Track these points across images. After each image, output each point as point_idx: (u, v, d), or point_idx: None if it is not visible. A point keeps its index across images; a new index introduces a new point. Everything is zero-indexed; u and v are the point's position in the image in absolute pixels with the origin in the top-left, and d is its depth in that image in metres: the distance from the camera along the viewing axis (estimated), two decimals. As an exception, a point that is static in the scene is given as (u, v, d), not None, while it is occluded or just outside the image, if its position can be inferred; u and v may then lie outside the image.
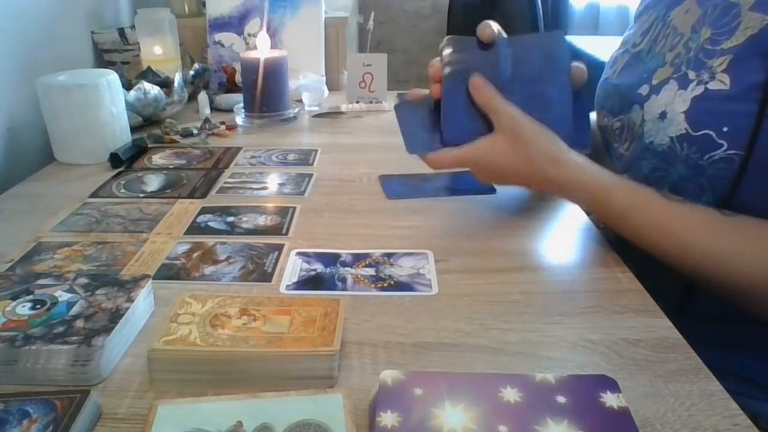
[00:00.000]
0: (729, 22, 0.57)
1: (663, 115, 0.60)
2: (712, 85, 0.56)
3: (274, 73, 1.07)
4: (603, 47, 2.16)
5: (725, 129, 0.55)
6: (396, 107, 0.69)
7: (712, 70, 0.57)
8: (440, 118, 0.65)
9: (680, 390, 0.44)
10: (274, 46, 1.17)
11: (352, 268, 0.61)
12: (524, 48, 0.65)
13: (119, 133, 0.93)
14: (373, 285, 0.58)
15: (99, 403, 0.42)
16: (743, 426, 0.41)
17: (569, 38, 2.53)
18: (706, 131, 0.56)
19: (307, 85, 1.20)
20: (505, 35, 0.67)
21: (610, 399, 0.39)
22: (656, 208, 0.57)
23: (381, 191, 0.79)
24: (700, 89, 0.57)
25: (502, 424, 0.37)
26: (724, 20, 0.58)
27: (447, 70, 0.64)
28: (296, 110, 1.13)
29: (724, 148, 0.55)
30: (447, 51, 0.66)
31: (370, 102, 1.20)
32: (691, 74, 0.59)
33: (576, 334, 0.50)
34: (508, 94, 0.63)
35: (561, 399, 0.39)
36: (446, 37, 0.67)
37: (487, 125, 0.63)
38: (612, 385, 0.40)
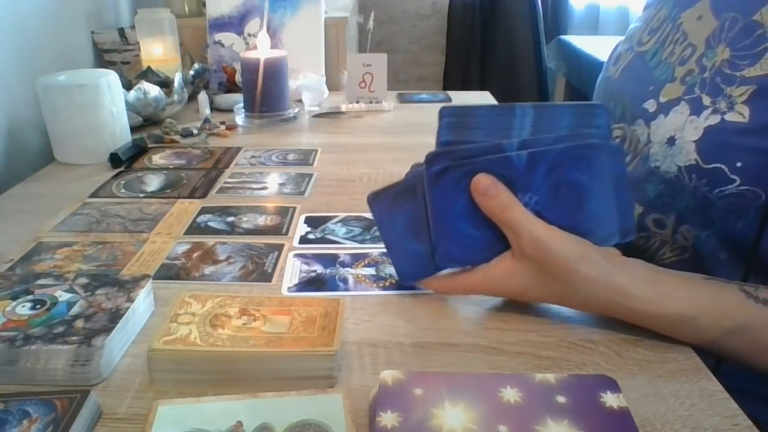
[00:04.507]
0: (752, 46, 0.53)
1: (671, 141, 0.56)
2: (730, 117, 0.52)
3: (274, 73, 1.07)
4: (603, 47, 2.16)
5: (739, 164, 0.51)
6: (371, 200, 0.53)
7: (732, 100, 0.53)
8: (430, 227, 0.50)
9: (680, 390, 0.44)
10: (274, 46, 1.17)
11: (351, 268, 0.61)
12: (542, 121, 0.49)
13: (119, 133, 0.93)
14: (375, 284, 0.58)
15: (99, 403, 0.42)
16: (743, 426, 0.41)
17: (569, 38, 2.55)
18: (718, 165, 0.52)
19: (307, 85, 1.20)
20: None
21: (610, 399, 0.39)
22: (757, 324, 0.47)
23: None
24: (716, 119, 0.53)
25: (502, 424, 0.37)
26: (745, 42, 0.54)
27: (436, 166, 0.48)
28: (296, 110, 1.13)
29: (736, 184, 0.52)
30: (441, 130, 0.50)
31: (370, 102, 1.20)
32: (706, 99, 0.55)
33: (576, 334, 0.50)
34: (525, 190, 0.47)
35: (561, 399, 0.39)
36: (442, 107, 0.50)
37: (498, 235, 0.49)
38: (612, 385, 0.40)
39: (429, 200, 0.49)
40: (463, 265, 0.51)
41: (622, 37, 0.75)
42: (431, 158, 0.48)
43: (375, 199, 0.53)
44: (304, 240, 0.66)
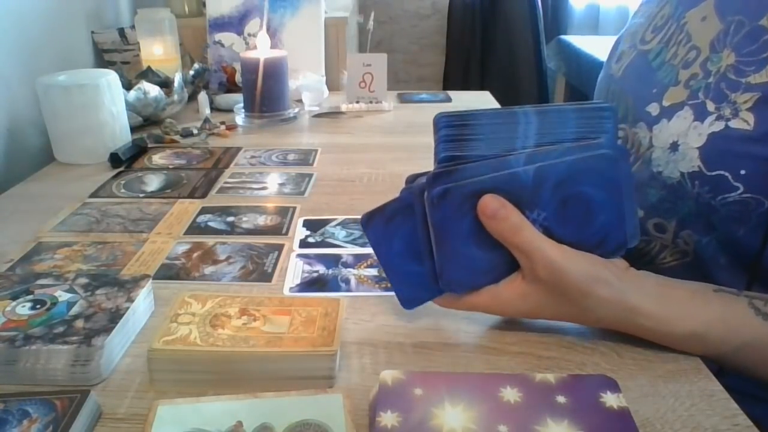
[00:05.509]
0: (757, 51, 0.52)
1: (674, 147, 0.56)
2: (734, 123, 0.52)
3: (274, 73, 1.07)
4: (603, 47, 2.16)
5: (743, 172, 0.51)
6: (364, 223, 0.49)
7: (736, 107, 0.52)
8: (432, 247, 0.47)
9: (680, 390, 0.44)
10: (274, 46, 1.17)
11: (354, 268, 0.61)
12: (547, 128, 0.46)
13: (119, 133, 0.93)
14: (377, 285, 0.58)
15: (99, 403, 0.42)
16: (743, 426, 0.41)
17: (569, 38, 2.55)
18: (722, 172, 0.52)
19: (307, 85, 1.20)
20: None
21: (610, 399, 0.39)
22: (763, 340, 0.46)
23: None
24: (720, 125, 0.52)
25: (502, 424, 0.37)
26: (751, 47, 0.53)
27: (437, 188, 0.44)
28: (296, 110, 1.13)
29: (739, 191, 0.51)
30: (439, 144, 0.46)
31: (370, 102, 1.20)
32: (710, 105, 0.54)
33: (576, 334, 0.50)
34: (533, 206, 0.45)
35: (561, 399, 0.39)
36: (438, 115, 0.46)
37: (505, 255, 0.46)
38: (612, 385, 0.40)
39: (432, 223, 0.46)
40: (470, 288, 0.48)
41: (629, 24, 0.73)
42: (432, 180, 0.45)
43: (369, 222, 0.49)
44: (304, 244, 0.66)
